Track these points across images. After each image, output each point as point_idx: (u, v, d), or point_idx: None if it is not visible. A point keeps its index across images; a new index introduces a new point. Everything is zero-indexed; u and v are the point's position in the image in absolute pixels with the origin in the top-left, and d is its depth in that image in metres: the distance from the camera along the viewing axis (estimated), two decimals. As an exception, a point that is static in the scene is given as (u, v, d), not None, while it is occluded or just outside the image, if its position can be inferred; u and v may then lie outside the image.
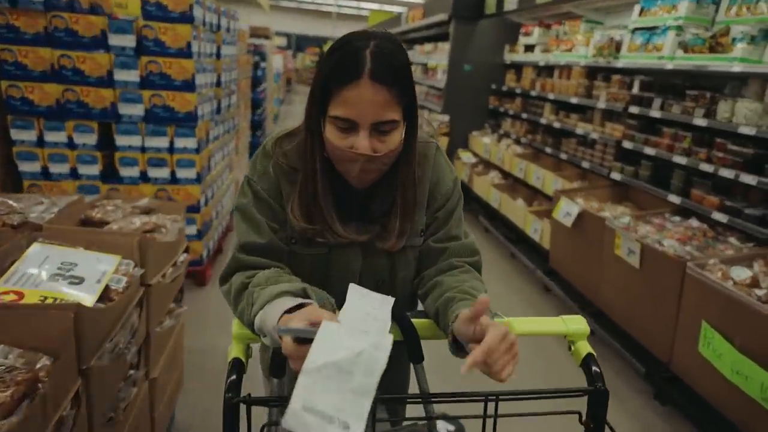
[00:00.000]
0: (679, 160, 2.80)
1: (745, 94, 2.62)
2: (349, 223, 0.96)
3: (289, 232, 0.96)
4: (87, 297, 1.29)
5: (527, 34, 4.88)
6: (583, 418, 0.93)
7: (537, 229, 3.79)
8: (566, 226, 3.20)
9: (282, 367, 0.87)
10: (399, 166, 0.93)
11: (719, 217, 2.54)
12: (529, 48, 4.80)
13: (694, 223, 2.75)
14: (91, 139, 2.90)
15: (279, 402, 0.89)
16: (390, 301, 0.86)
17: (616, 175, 3.34)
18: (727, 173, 2.49)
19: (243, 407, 0.83)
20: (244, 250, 0.93)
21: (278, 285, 0.82)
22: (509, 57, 5.12)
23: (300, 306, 0.77)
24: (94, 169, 2.94)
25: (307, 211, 0.93)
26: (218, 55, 3.50)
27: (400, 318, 0.92)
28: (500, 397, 0.88)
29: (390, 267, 0.99)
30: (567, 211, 3.18)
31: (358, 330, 0.61)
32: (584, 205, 3.20)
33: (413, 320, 0.93)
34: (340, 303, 0.91)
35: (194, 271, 3.24)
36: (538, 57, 4.54)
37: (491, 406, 0.87)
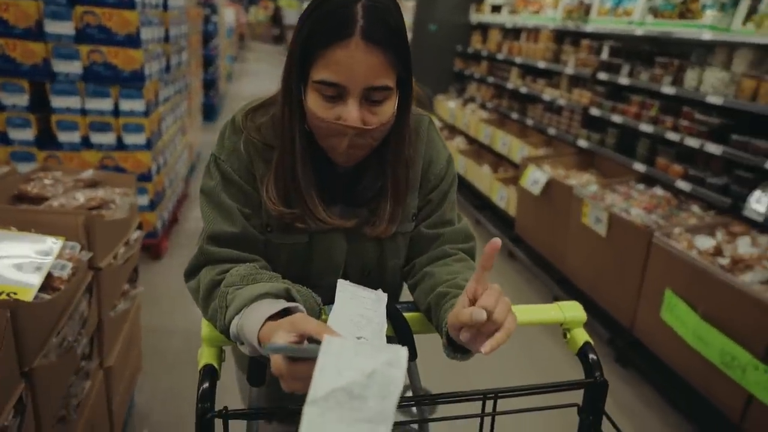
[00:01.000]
0: (646, 128, 2.81)
1: (711, 62, 2.62)
2: (332, 206, 0.85)
3: (264, 219, 0.84)
4: (26, 287, 1.14)
5: (494, -7, 4.73)
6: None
7: (503, 196, 3.78)
8: (533, 194, 3.19)
9: (262, 376, 0.77)
10: (390, 142, 0.82)
11: (683, 185, 2.58)
12: (496, 9, 4.67)
13: (658, 191, 2.79)
14: (22, 99, 2.60)
15: (259, 414, 0.80)
16: (383, 298, 0.77)
17: (582, 143, 3.34)
18: (692, 142, 2.51)
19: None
20: (214, 241, 0.81)
21: (256, 285, 0.71)
22: (475, 17, 4.97)
23: (285, 311, 0.67)
24: (28, 134, 2.65)
25: (284, 194, 0.81)
26: (165, 7, 3.18)
27: (390, 311, 0.84)
28: (499, 394, 0.82)
29: (378, 255, 0.89)
30: (535, 178, 3.17)
31: (364, 343, 0.51)
32: (551, 172, 3.19)
33: (405, 314, 0.84)
34: (324, 298, 0.82)
35: (148, 244, 3.04)
36: (504, 18, 4.42)
37: (489, 404, 0.82)
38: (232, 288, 0.73)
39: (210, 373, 0.76)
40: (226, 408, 0.72)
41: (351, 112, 0.72)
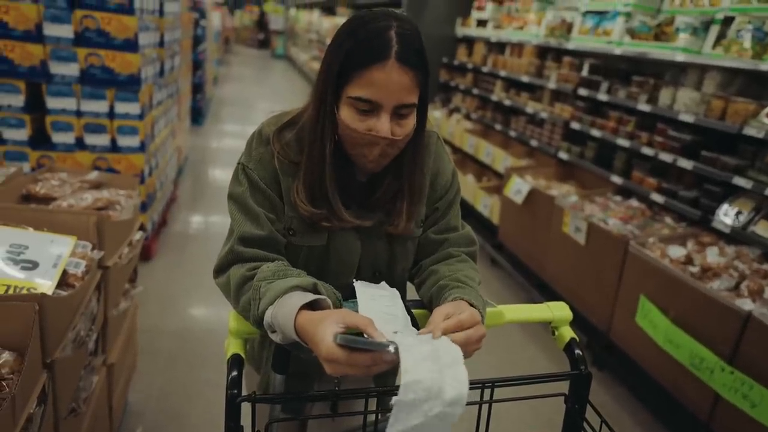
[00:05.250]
0: (623, 142, 2.97)
1: (684, 83, 2.79)
2: (348, 210, 0.93)
3: (287, 223, 0.92)
4: (45, 283, 1.19)
5: (480, 8, 4.89)
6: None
7: (487, 205, 3.91)
8: (516, 203, 3.32)
9: (285, 364, 0.85)
10: (406, 151, 0.92)
11: (657, 198, 2.74)
12: (482, 23, 4.82)
13: (633, 203, 2.94)
14: (18, 100, 2.61)
15: (284, 399, 0.87)
16: (396, 294, 0.86)
17: (563, 155, 3.48)
18: (666, 157, 2.67)
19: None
20: (243, 242, 0.88)
21: (287, 279, 0.79)
22: (461, 31, 5.12)
23: (314, 302, 0.75)
24: (22, 134, 2.66)
25: (311, 197, 0.90)
26: (161, 12, 3.23)
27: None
28: (496, 384, 0.91)
29: (389, 257, 0.98)
30: (518, 188, 3.30)
31: (433, 356, 0.65)
32: (533, 183, 3.33)
33: (413, 310, 0.93)
34: (341, 294, 0.90)
35: (138, 245, 3.06)
36: (489, 33, 4.57)
37: (487, 392, 0.91)
38: (264, 282, 0.80)
39: (238, 363, 0.83)
40: (254, 392, 0.80)
41: (383, 125, 0.82)
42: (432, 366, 0.62)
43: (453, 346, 0.66)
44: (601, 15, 3.30)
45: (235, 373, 0.81)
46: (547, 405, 1.00)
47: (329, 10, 12.42)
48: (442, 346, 0.66)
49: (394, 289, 0.88)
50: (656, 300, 2.28)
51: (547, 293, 3.16)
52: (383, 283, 0.94)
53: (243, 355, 0.85)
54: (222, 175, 5.18)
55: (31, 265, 1.22)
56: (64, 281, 1.26)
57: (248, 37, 19.43)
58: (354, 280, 0.89)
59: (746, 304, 1.95)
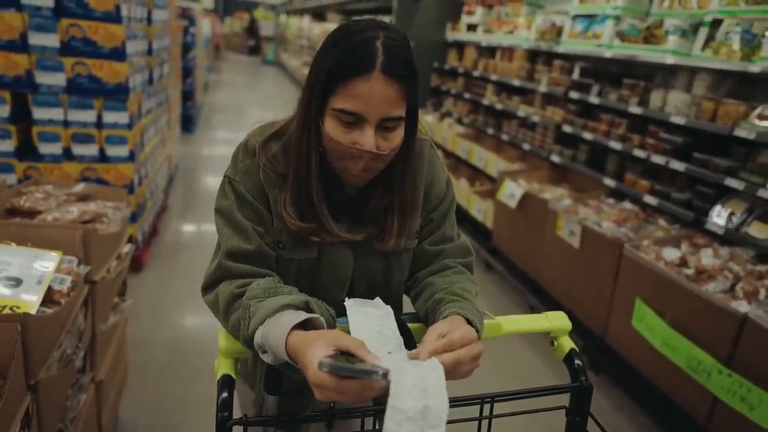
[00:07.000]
0: (615, 145, 2.97)
1: (674, 85, 2.80)
2: (339, 223, 0.91)
3: (276, 236, 0.90)
4: (28, 300, 1.15)
5: (470, 13, 4.89)
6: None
7: (480, 210, 3.89)
8: (510, 207, 3.31)
9: (278, 384, 0.82)
10: (396, 164, 0.89)
11: (650, 200, 2.74)
12: (472, 27, 4.82)
13: (627, 205, 2.94)
14: (3, 110, 2.57)
15: (276, 421, 0.84)
16: (390, 313, 0.84)
17: (555, 158, 3.48)
18: (658, 159, 2.67)
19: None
20: (231, 258, 0.86)
21: (278, 297, 0.76)
22: (451, 35, 5.12)
23: (306, 321, 0.72)
24: (8, 145, 2.61)
25: (299, 210, 0.87)
26: (149, 20, 3.20)
27: (397, 323, 0.90)
28: (495, 399, 0.89)
29: (384, 271, 0.96)
30: (511, 192, 3.29)
31: (420, 415, 0.61)
32: (526, 186, 3.32)
33: (409, 324, 0.91)
34: (334, 311, 0.87)
35: (128, 256, 3.01)
36: (480, 37, 4.58)
37: (486, 408, 0.88)
38: (254, 300, 0.78)
39: (228, 383, 0.80)
40: (246, 416, 0.77)
41: (367, 139, 0.79)
42: (414, 427, 0.60)
43: (444, 400, 0.62)
44: (590, 18, 3.30)
45: (225, 394, 0.79)
46: (552, 418, 0.98)
47: (319, 16, 12.42)
48: (432, 403, 0.62)
49: (388, 306, 0.85)
50: (652, 303, 2.27)
51: (542, 297, 3.15)
52: (377, 299, 0.91)
53: (234, 376, 0.82)
54: (214, 182, 5.13)
55: (15, 283, 1.18)
56: (49, 298, 1.22)
57: (238, 43, 19.38)
58: (346, 298, 0.87)
59: (742, 306, 1.94)
